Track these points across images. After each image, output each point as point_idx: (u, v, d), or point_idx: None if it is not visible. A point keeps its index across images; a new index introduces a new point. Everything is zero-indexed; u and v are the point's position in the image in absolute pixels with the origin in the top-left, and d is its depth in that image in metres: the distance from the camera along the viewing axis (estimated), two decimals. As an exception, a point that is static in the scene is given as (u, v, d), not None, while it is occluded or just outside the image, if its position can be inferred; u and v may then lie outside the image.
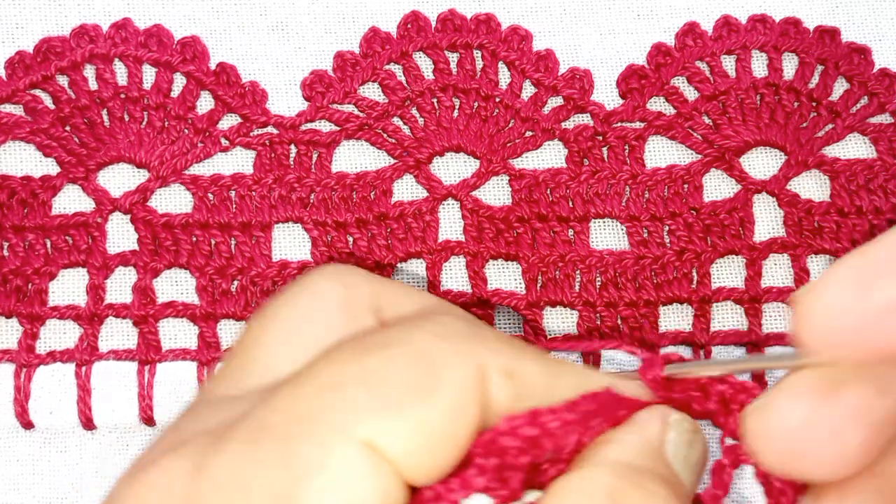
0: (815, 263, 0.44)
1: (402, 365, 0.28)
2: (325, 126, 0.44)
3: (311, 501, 0.26)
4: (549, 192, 0.44)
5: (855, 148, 0.45)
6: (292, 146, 0.44)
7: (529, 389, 0.30)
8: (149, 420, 0.41)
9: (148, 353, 0.42)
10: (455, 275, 0.43)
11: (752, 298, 0.43)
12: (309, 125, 0.44)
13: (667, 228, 0.44)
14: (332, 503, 0.26)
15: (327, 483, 0.26)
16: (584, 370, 0.33)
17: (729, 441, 0.32)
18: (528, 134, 0.44)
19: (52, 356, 0.42)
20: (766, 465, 0.28)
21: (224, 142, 0.43)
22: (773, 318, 0.44)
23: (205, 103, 0.44)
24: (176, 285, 0.43)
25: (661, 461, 0.31)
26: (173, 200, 0.43)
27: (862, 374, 0.27)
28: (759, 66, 0.45)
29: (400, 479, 0.27)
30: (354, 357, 0.29)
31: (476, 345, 0.30)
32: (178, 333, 0.42)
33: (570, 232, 0.44)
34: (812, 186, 0.45)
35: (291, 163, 0.44)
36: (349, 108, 0.44)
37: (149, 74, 0.44)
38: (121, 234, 0.43)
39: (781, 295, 0.44)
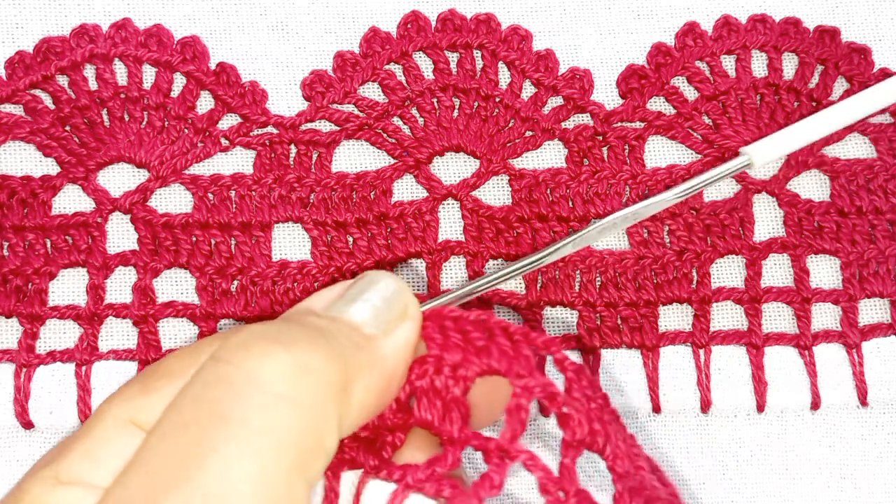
0: (815, 263, 0.44)
1: (173, 357, 0.34)
2: (325, 126, 0.44)
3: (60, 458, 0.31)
4: (549, 192, 0.44)
5: (855, 148, 0.45)
6: (292, 146, 0.44)
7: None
8: (149, 420, 0.41)
9: (148, 353, 0.42)
10: (455, 275, 0.43)
11: (752, 298, 0.43)
12: (309, 125, 0.44)
13: (667, 228, 0.44)
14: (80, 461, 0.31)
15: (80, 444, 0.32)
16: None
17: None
18: (528, 134, 0.44)
19: (52, 356, 0.42)
20: None
21: (224, 142, 0.43)
22: (774, 318, 0.44)
23: (205, 103, 0.44)
24: (176, 285, 0.43)
25: (303, 311, 0.34)
26: (173, 200, 0.43)
27: None
28: (759, 66, 0.45)
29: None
30: None
31: (219, 335, 0.35)
32: (178, 333, 0.42)
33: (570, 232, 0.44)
34: (812, 186, 0.45)
35: (291, 163, 0.44)
36: (349, 108, 0.44)
37: (149, 74, 0.44)
38: (121, 234, 0.43)
39: (781, 295, 0.44)
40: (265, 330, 0.32)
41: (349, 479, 0.35)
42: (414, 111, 0.44)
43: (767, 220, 0.44)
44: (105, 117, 0.43)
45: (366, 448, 0.35)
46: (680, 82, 0.45)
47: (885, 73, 0.45)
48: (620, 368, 0.43)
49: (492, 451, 0.32)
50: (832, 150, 0.45)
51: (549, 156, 0.44)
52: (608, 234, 0.40)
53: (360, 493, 0.34)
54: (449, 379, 0.34)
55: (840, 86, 0.45)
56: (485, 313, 0.35)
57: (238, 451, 0.29)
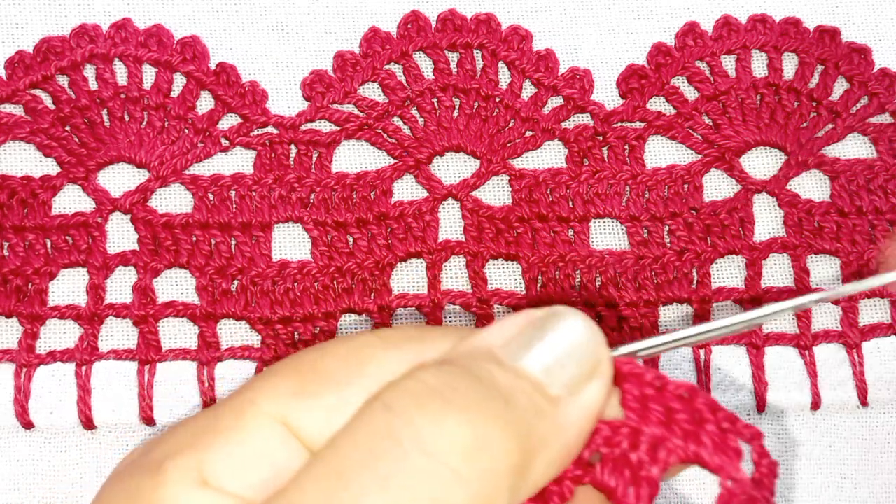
0: (815, 263, 0.44)
1: (334, 355, 0.32)
2: (325, 126, 0.44)
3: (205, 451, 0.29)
4: (549, 192, 0.44)
5: (855, 148, 0.45)
6: (292, 146, 0.44)
7: None
8: (149, 420, 0.41)
9: (148, 353, 0.42)
10: (455, 275, 0.43)
11: (752, 298, 0.43)
12: (309, 125, 0.44)
13: (667, 228, 0.44)
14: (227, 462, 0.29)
15: (229, 441, 0.29)
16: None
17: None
18: (528, 134, 0.44)
19: (52, 356, 0.42)
20: None
21: (224, 142, 0.43)
22: (773, 318, 0.44)
23: (205, 103, 0.44)
24: (176, 285, 0.43)
25: (483, 354, 0.30)
26: (173, 200, 0.43)
27: None
28: (759, 66, 0.45)
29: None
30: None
31: (410, 340, 0.32)
32: (178, 333, 0.42)
33: (570, 232, 0.44)
34: (812, 186, 0.45)
35: (291, 163, 0.44)
36: (349, 108, 0.44)
37: (149, 74, 0.44)
38: (121, 234, 0.43)
39: (781, 295, 0.44)
40: (440, 382, 0.29)
41: None
42: (414, 111, 0.44)
43: (767, 220, 0.44)
44: (105, 117, 0.43)
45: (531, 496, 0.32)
46: (680, 82, 0.45)
47: (885, 73, 0.45)
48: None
49: None
50: (832, 150, 0.45)
51: (549, 156, 0.44)
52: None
53: None
54: (646, 456, 0.31)
55: (840, 86, 0.45)
56: (690, 386, 0.31)
57: None
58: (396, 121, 0.44)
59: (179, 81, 0.44)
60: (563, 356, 0.30)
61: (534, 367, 0.30)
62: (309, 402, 0.30)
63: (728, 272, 0.44)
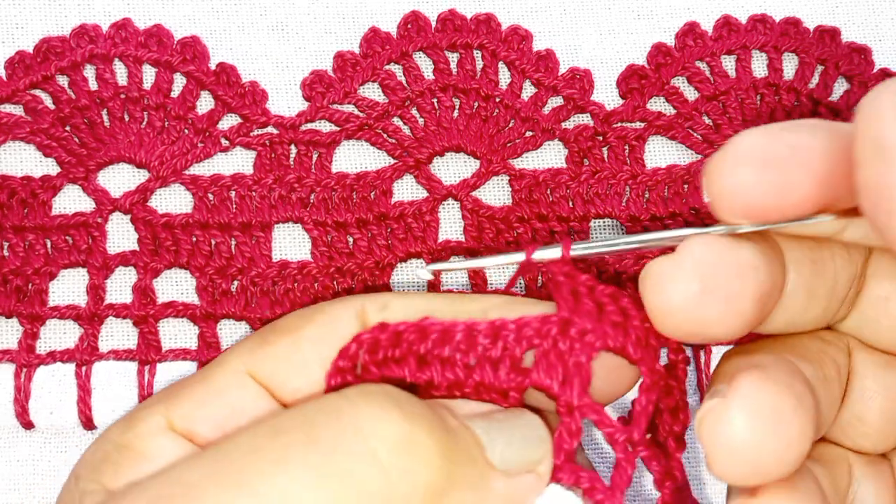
0: (815, 263, 0.44)
1: (291, 315, 0.36)
2: (325, 126, 0.44)
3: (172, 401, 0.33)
4: (549, 192, 0.44)
5: (855, 148, 0.45)
6: (292, 146, 0.44)
7: (404, 314, 0.35)
8: (149, 420, 0.41)
9: (148, 353, 0.42)
10: (455, 274, 0.43)
11: (752, 298, 0.43)
12: (309, 125, 0.44)
13: (667, 228, 0.44)
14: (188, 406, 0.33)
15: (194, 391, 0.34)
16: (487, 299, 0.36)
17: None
18: (528, 134, 0.44)
19: (53, 356, 0.42)
20: (666, 332, 0.31)
21: (224, 142, 0.43)
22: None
23: (205, 103, 0.44)
24: (176, 285, 0.43)
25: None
26: (173, 200, 0.43)
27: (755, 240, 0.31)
28: (759, 66, 0.45)
29: (269, 398, 0.34)
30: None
31: (361, 296, 0.36)
32: (178, 333, 0.42)
33: (570, 232, 0.44)
34: (812, 186, 0.45)
35: (291, 163, 0.44)
36: (349, 108, 0.44)
37: (149, 74, 0.44)
38: (121, 234, 0.43)
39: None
40: (397, 392, 0.31)
41: None
42: (414, 111, 0.44)
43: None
44: (105, 117, 0.43)
45: None
46: (680, 82, 0.45)
47: (885, 73, 0.45)
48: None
49: (615, 435, 0.32)
50: (832, 150, 0.45)
51: (549, 156, 0.45)
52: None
53: None
54: (576, 343, 0.33)
55: (840, 86, 0.45)
56: (616, 289, 0.34)
57: (305, 478, 0.28)
58: (396, 121, 0.44)
59: (179, 81, 0.44)
60: (514, 441, 0.32)
61: (484, 437, 0.32)
62: (267, 350, 0.34)
63: (728, 272, 0.44)
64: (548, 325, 0.33)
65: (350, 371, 0.34)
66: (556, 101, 0.45)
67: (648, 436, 0.34)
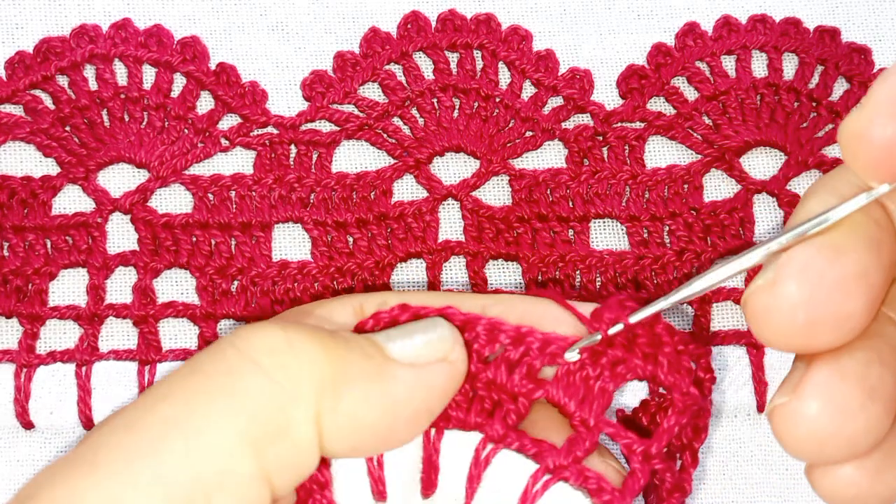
0: (815, 263, 0.44)
1: (287, 312, 0.37)
2: (325, 126, 0.44)
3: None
4: (549, 192, 0.44)
5: (855, 148, 0.45)
6: (292, 146, 0.44)
7: None
8: (149, 420, 0.41)
9: (148, 353, 0.42)
10: (455, 275, 0.43)
11: (752, 298, 0.43)
12: (309, 125, 0.44)
13: (667, 228, 0.44)
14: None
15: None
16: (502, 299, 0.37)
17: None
18: (528, 134, 0.44)
19: (53, 356, 0.42)
20: (769, 342, 0.29)
21: (224, 142, 0.43)
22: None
23: (205, 103, 0.44)
24: (176, 285, 0.43)
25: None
26: (173, 200, 0.43)
27: (857, 239, 0.28)
28: (759, 66, 0.45)
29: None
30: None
31: (358, 295, 0.37)
32: (178, 333, 0.42)
33: (570, 232, 0.44)
34: (812, 186, 0.45)
35: (291, 163, 0.44)
36: (349, 108, 0.44)
37: (149, 74, 0.44)
38: (121, 234, 0.43)
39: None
40: (281, 319, 0.32)
41: (458, 439, 0.35)
42: (414, 111, 0.44)
43: (768, 220, 0.44)
44: (105, 117, 0.43)
45: (480, 411, 0.35)
46: (680, 82, 0.45)
47: (885, 73, 0.45)
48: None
49: (633, 446, 0.33)
50: (832, 150, 0.45)
51: (549, 156, 0.44)
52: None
53: (487, 461, 0.34)
54: (605, 371, 0.34)
55: (840, 86, 0.45)
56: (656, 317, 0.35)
57: (193, 406, 0.29)
58: (396, 121, 0.44)
59: (179, 81, 0.44)
60: (416, 339, 0.33)
61: (382, 338, 0.33)
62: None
63: (728, 272, 0.44)
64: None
65: None
66: (556, 101, 0.45)
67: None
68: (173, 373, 0.31)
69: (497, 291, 0.43)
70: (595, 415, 0.34)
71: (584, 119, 0.45)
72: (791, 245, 0.29)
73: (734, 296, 0.43)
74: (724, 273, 0.31)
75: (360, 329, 0.35)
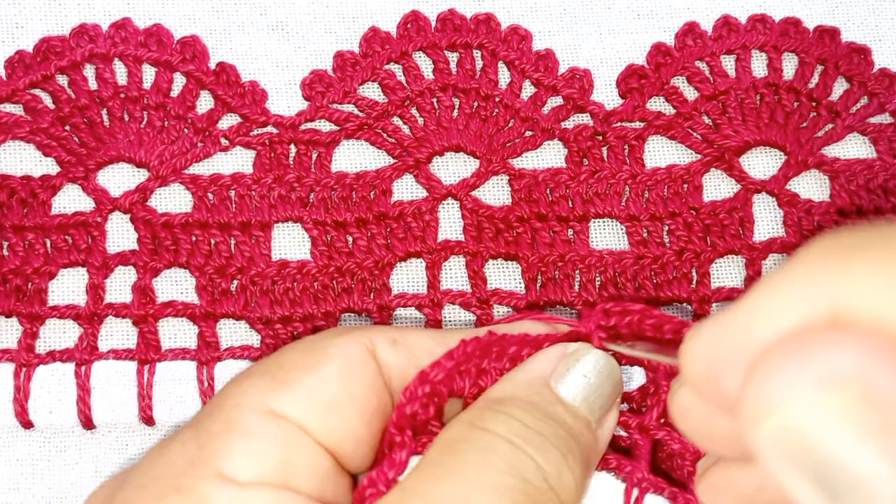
0: (814, 263, 0.44)
1: (295, 351, 0.35)
2: (324, 126, 0.44)
3: (216, 456, 0.31)
4: (548, 191, 0.44)
5: (855, 148, 0.45)
6: (292, 146, 0.44)
7: (417, 350, 0.35)
8: (148, 419, 0.41)
9: (148, 353, 0.42)
10: (455, 274, 0.43)
11: (752, 298, 0.43)
12: (309, 125, 0.44)
13: (666, 228, 0.44)
14: (241, 457, 0.31)
15: (233, 439, 0.31)
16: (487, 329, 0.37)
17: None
18: (528, 134, 0.44)
19: (52, 356, 0.42)
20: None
21: (224, 141, 0.43)
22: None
23: (205, 103, 0.44)
24: (176, 285, 0.43)
25: (542, 391, 0.35)
26: (173, 200, 0.43)
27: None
28: (759, 66, 0.45)
29: (309, 438, 0.32)
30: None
31: (362, 329, 0.36)
32: (177, 333, 0.42)
33: (570, 232, 0.43)
34: (812, 186, 0.45)
35: (291, 162, 0.44)
36: (349, 107, 0.44)
37: (149, 74, 0.44)
38: (120, 234, 0.43)
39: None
40: (530, 421, 0.33)
41: None
42: (414, 111, 0.44)
43: (767, 220, 0.44)
44: (105, 117, 0.43)
45: None
46: (680, 82, 0.45)
47: (884, 73, 0.45)
48: (622, 368, 0.43)
49: (629, 422, 0.37)
50: (832, 150, 0.45)
51: (549, 156, 0.44)
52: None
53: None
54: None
55: (840, 86, 0.45)
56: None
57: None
58: (396, 120, 0.44)
59: (179, 81, 0.44)
60: (595, 390, 0.35)
61: (577, 401, 0.35)
62: (291, 388, 0.33)
63: (727, 272, 0.44)
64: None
65: (432, 398, 0.35)
66: (555, 101, 0.45)
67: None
68: (430, 456, 0.33)
69: (497, 291, 0.43)
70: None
71: (584, 119, 0.45)
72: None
73: (734, 296, 0.43)
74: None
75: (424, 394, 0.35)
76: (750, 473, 0.30)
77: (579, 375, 0.35)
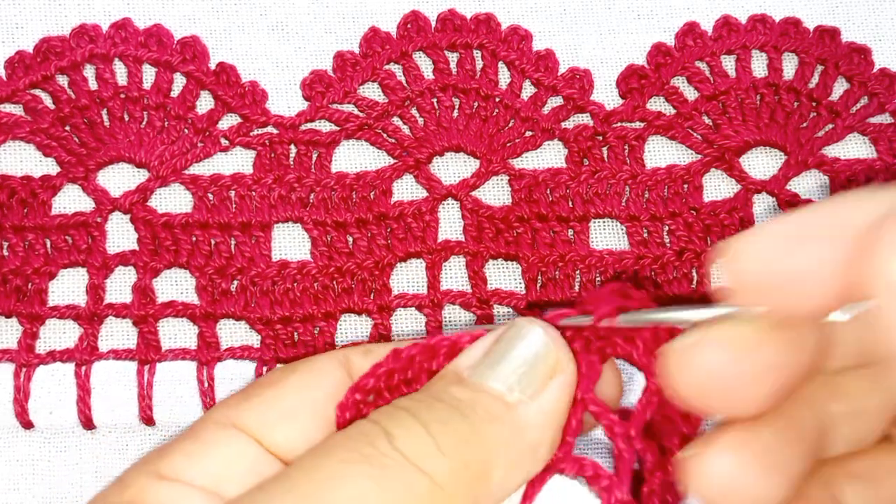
0: (815, 263, 0.44)
1: (274, 371, 0.38)
2: (325, 126, 0.44)
3: (162, 458, 0.33)
4: (548, 191, 0.44)
5: (855, 148, 0.45)
6: (292, 146, 0.44)
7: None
8: (148, 420, 0.41)
9: (148, 353, 0.42)
10: (455, 274, 0.43)
11: (752, 298, 0.43)
12: (309, 125, 0.44)
13: (666, 228, 0.44)
14: (181, 460, 0.33)
15: (183, 446, 0.34)
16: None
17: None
18: (528, 134, 0.44)
19: (52, 356, 0.42)
20: (680, 399, 0.31)
21: (224, 142, 0.43)
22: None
23: (205, 103, 0.44)
24: (176, 285, 0.43)
25: (444, 375, 0.34)
26: (173, 200, 0.43)
27: (781, 329, 0.29)
28: (759, 66, 0.45)
29: (260, 448, 0.34)
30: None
31: (343, 347, 0.38)
32: (177, 333, 0.42)
33: (570, 232, 0.43)
34: (812, 186, 0.45)
35: (291, 163, 0.44)
36: (349, 107, 0.44)
37: (149, 74, 0.44)
38: (121, 234, 0.43)
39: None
40: (416, 406, 0.33)
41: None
42: (414, 111, 0.44)
43: (767, 219, 0.44)
44: (105, 117, 0.43)
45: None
46: (680, 82, 0.45)
47: (884, 73, 0.45)
48: (622, 367, 0.43)
49: (614, 429, 0.34)
50: (832, 150, 0.45)
51: (549, 156, 0.44)
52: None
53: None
54: (591, 344, 0.36)
55: (840, 86, 0.45)
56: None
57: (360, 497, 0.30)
58: (396, 121, 0.44)
59: (179, 81, 0.44)
60: (521, 366, 0.33)
61: (494, 381, 0.33)
62: (251, 402, 0.35)
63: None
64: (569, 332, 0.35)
65: (364, 402, 0.35)
66: (555, 101, 0.45)
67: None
68: (323, 446, 0.32)
69: (497, 291, 0.43)
70: (583, 389, 0.34)
71: (584, 119, 0.45)
72: (721, 318, 0.30)
73: (734, 296, 0.43)
74: (698, 315, 0.32)
75: (370, 387, 0.35)
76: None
77: (498, 355, 0.34)
